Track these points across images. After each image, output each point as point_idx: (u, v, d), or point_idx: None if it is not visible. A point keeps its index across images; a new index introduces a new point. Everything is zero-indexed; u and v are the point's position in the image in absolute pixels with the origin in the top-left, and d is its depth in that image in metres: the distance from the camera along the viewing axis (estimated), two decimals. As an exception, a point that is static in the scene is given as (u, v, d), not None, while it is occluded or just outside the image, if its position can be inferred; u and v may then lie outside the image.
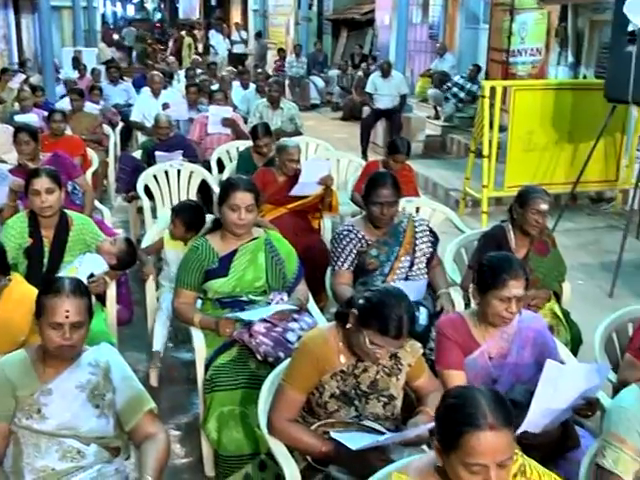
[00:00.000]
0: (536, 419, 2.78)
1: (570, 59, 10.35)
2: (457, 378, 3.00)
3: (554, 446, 2.99)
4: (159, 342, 4.46)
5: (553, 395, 2.80)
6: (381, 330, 2.69)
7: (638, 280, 6.54)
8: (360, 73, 14.84)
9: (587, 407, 2.92)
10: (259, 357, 3.49)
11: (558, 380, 2.80)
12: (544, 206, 4.15)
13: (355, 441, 2.62)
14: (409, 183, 6.21)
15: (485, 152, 7.73)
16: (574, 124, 8.13)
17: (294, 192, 5.48)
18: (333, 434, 2.70)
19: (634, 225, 7.72)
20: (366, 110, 11.87)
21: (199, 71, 13.08)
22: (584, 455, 2.72)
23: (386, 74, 11.10)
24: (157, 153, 6.83)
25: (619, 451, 2.33)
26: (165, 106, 8.90)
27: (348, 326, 2.77)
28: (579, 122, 8.08)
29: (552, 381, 2.78)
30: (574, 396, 2.85)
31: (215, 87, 9.99)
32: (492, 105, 7.79)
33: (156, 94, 9.42)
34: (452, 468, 1.95)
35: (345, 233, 4.12)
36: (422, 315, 3.89)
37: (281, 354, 3.44)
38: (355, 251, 4.07)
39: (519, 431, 2.69)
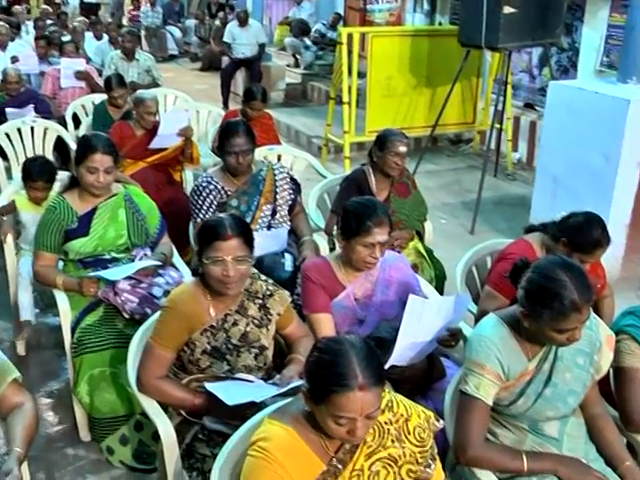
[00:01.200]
0: (402, 353, 2.86)
1: (426, 7, 10.52)
2: (325, 321, 3.03)
3: (421, 378, 3.09)
4: (27, 310, 4.24)
5: (417, 329, 2.88)
6: None
7: (496, 216, 6.84)
8: (217, 22, 14.55)
9: (450, 338, 3.03)
10: (126, 315, 3.41)
11: (421, 314, 2.88)
12: (403, 148, 4.23)
13: (231, 396, 2.60)
14: (269, 131, 6.18)
15: (345, 98, 7.78)
16: (431, 69, 8.30)
17: (153, 145, 5.33)
18: (208, 386, 2.68)
19: (492, 164, 8.04)
20: (225, 60, 11.67)
21: (49, 22, 12.37)
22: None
23: (243, 23, 10.95)
24: (7, 110, 6.45)
25: (480, 377, 2.43)
26: (14, 59, 8.40)
27: None
28: (436, 67, 8.27)
29: (415, 315, 2.86)
30: (437, 328, 2.95)
31: (66, 38, 9.50)
32: (350, 52, 7.82)
33: (3, 47, 8.90)
34: (320, 417, 1.97)
35: (204, 185, 4.05)
36: (287, 262, 3.90)
37: (148, 310, 3.38)
38: (215, 202, 4.01)
39: (386, 366, 2.76)
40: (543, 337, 2.41)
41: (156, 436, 2.80)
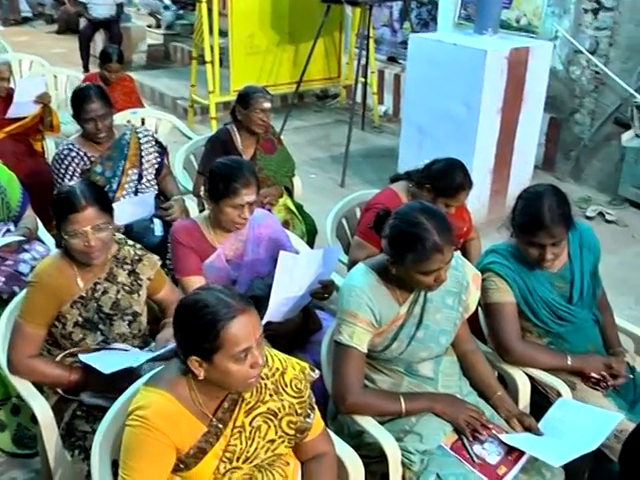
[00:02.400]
0: (277, 309, 2.87)
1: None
2: (197, 283, 2.98)
3: (298, 332, 3.12)
4: None
5: (289, 284, 2.89)
6: None
7: (365, 168, 6.94)
8: (70, -20, 13.88)
9: (323, 290, 3.06)
10: (-8, 295, 3.25)
11: (292, 269, 2.89)
12: (266, 104, 4.19)
13: (106, 364, 2.54)
14: (131, 94, 5.98)
15: (207, 58, 7.62)
16: (293, 25, 8.25)
17: (10, 114, 5.04)
18: (82, 357, 2.59)
19: (358, 118, 8.13)
20: (83, 22, 11.15)
21: None
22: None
23: (96, -19, 10.49)
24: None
25: (353, 326, 2.46)
26: None
27: None
28: (298, 23, 8.22)
29: (287, 271, 2.87)
30: (309, 282, 2.97)
31: None
32: (210, 10, 7.65)
33: None
34: (219, 371, 1.93)
35: (65, 153, 3.87)
36: (157, 227, 3.82)
37: (16, 288, 3.22)
38: (79, 170, 3.84)
39: (262, 323, 2.77)
40: (411, 281, 2.46)
41: (35, 418, 2.70)
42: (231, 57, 7.89)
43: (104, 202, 2.66)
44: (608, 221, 6.30)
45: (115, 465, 2.15)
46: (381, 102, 8.89)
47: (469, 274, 2.69)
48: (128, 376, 2.49)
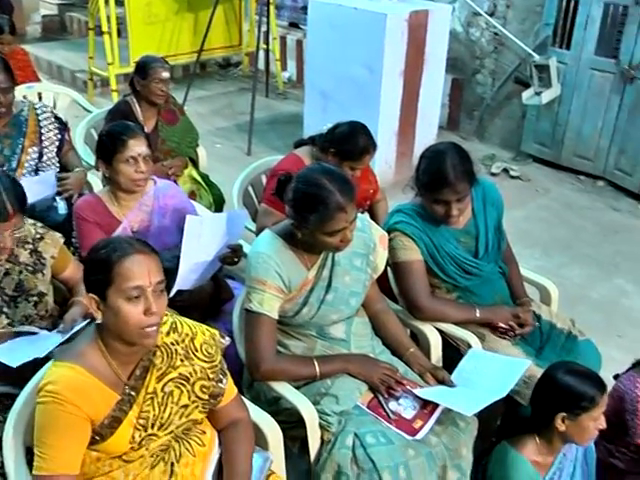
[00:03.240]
0: (186, 276, 2.83)
1: None
2: (103, 259, 2.91)
3: (209, 302, 3.09)
4: None
5: (197, 249, 2.86)
6: None
7: (271, 135, 6.91)
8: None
9: (232, 254, 3.04)
10: None
11: (200, 233, 2.86)
12: (165, 74, 4.10)
13: (13, 357, 2.44)
14: (26, 68, 5.72)
15: (104, 28, 7.37)
16: (192, -8, 8.09)
17: None
18: None
19: (262, 85, 8.06)
20: (-33, -8, 10.61)
21: None
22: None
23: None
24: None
25: (262, 292, 2.45)
26: None
27: None
28: (196, -10, 8.06)
29: (194, 235, 2.83)
30: (217, 246, 2.94)
31: None
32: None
33: None
34: (112, 312, 1.90)
35: (-42, 130, 3.68)
36: (60, 205, 3.70)
37: None
38: (-25, 148, 3.67)
39: (172, 293, 2.73)
40: (317, 244, 2.46)
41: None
42: (129, 27, 7.65)
43: (24, 203, 2.59)
44: (512, 177, 6.48)
45: (30, 453, 2.09)
46: (284, 68, 8.84)
47: (376, 235, 2.70)
48: (38, 364, 2.41)
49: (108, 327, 1.94)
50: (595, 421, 2.35)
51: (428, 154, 2.86)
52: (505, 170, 6.56)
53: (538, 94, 6.35)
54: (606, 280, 4.94)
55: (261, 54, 7.61)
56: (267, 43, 8.10)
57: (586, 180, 6.55)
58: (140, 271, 1.89)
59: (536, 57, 6.32)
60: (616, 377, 2.92)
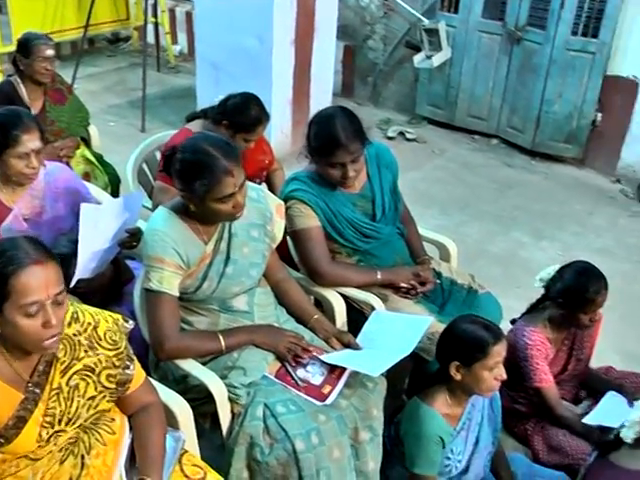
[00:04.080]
0: (85, 266, 2.75)
1: None
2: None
3: (110, 286, 3.02)
4: None
5: (95, 236, 2.77)
6: None
7: (166, 111, 6.77)
8: None
9: (130, 238, 2.97)
10: None
11: (96, 221, 2.77)
12: (49, 52, 3.94)
13: None
14: None
15: (-18, 5, 7.06)
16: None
17: None
18: None
19: (153, 59, 7.88)
20: None
21: None
22: (135, 286, 2.79)
23: None
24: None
25: (161, 270, 2.40)
26: None
27: None
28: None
29: (91, 223, 2.74)
30: (114, 232, 2.86)
31: None
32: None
33: None
34: (10, 325, 1.80)
35: None
36: None
37: None
38: None
39: (72, 283, 2.65)
40: (210, 213, 2.42)
41: None
42: (9, 2, 7.30)
43: None
44: (408, 139, 6.58)
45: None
46: (175, 42, 8.66)
47: (272, 204, 2.69)
48: None
49: (6, 336, 1.86)
50: (490, 371, 2.39)
51: (317, 119, 2.87)
52: (401, 133, 6.65)
53: (429, 58, 6.45)
54: (504, 234, 5.10)
55: (150, 28, 7.41)
56: (155, 16, 7.90)
57: (480, 139, 6.72)
58: (38, 285, 1.79)
59: (425, 21, 6.40)
60: (513, 322, 3.04)
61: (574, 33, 5.88)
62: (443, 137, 6.75)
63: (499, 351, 2.40)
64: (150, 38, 7.72)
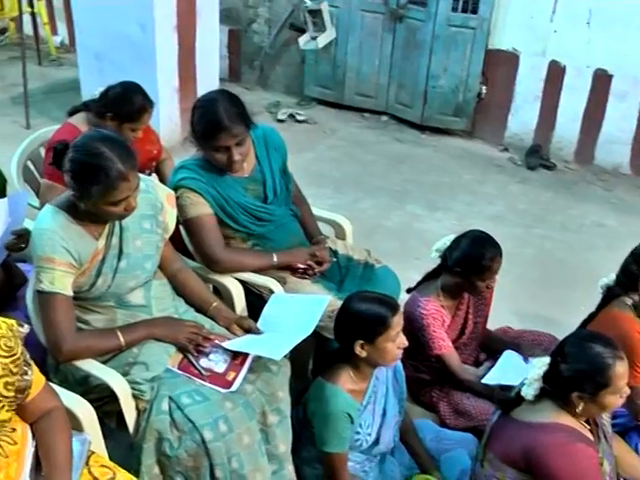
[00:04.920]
0: None
1: None
2: None
3: (2, 290, 2.92)
4: None
5: None
6: None
7: (49, 106, 6.54)
8: None
9: (18, 240, 2.86)
10: None
11: None
12: None
13: None
14: None
15: None
16: None
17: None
18: None
19: (33, 52, 7.59)
20: None
21: None
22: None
23: None
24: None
25: (52, 271, 2.32)
26: None
27: None
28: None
29: None
30: (0, 235, 2.76)
31: None
32: None
33: None
34: None
35: None
36: None
37: None
38: None
39: None
40: (101, 214, 2.36)
41: None
42: None
43: None
44: (299, 121, 6.60)
45: None
46: (55, 32, 8.36)
47: (162, 195, 2.64)
48: None
49: None
50: (393, 342, 2.45)
51: (199, 104, 2.85)
52: (291, 115, 6.65)
53: (314, 39, 6.46)
54: (399, 208, 5.19)
55: (28, 18, 7.10)
56: (32, 6, 7.59)
57: (370, 117, 6.80)
58: None
59: (308, 2, 6.40)
60: (409, 291, 3.11)
61: (454, 9, 6.03)
62: (333, 117, 6.79)
63: (398, 321, 2.46)
64: (28, 29, 7.41)
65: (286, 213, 3.09)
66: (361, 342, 2.44)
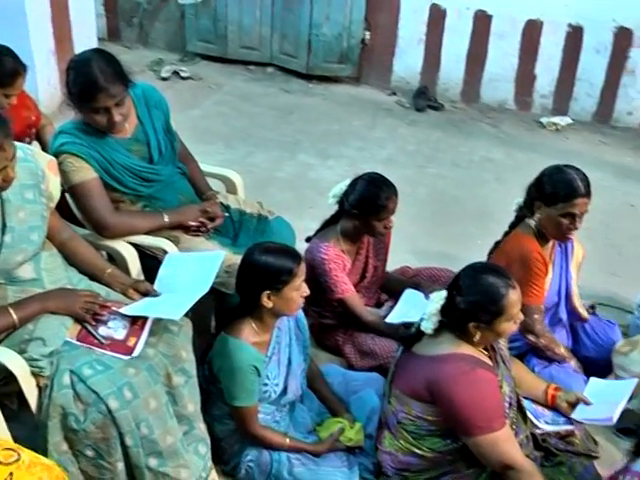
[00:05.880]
0: None
1: None
2: None
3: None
4: None
5: None
6: None
7: None
8: None
9: None
10: None
11: None
12: None
13: None
14: None
15: None
16: None
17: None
18: None
19: None
20: None
21: None
22: None
23: None
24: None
25: None
26: None
27: None
28: None
29: None
30: None
31: None
32: None
33: None
34: None
35: None
36: None
37: None
38: None
39: None
40: None
41: None
42: None
43: None
44: (184, 78, 6.45)
45: None
46: None
47: (43, 162, 2.53)
48: None
49: None
50: (297, 290, 2.48)
51: (73, 65, 2.73)
52: (175, 73, 6.49)
53: (196, -7, 6.32)
54: (291, 159, 5.18)
55: None
56: None
57: (256, 69, 6.72)
58: None
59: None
60: (308, 240, 3.12)
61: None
62: (218, 71, 6.67)
63: (302, 269, 2.48)
64: None
65: (173, 172, 3.02)
66: (267, 293, 2.45)
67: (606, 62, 6.03)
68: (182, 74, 6.45)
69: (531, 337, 2.90)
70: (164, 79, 6.33)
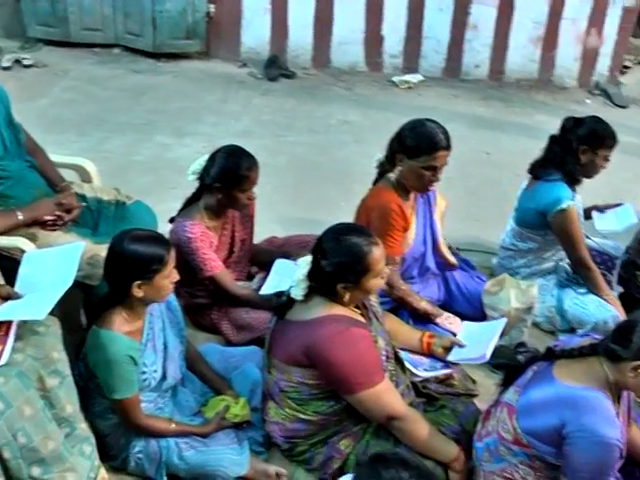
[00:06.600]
0: None
1: None
2: None
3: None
4: None
5: None
6: None
7: None
8: None
9: None
10: None
11: None
12: None
13: None
14: None
15: None
16: None
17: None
18: None
19: None
20: None
21: None
22: None
23: None
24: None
25: None
26: None
27: None
28: None
29: None
30: None
31: None
32: None
33: None
34: None
35: None
36: None
37: None
38: None
39: None
40: None
41: None
42: None
43: None
44: (26, 66, 6.17)
45: None
46: None
47: None
48: None
49: None
50: (168, 278, 2.43)
51: None
52: (17, 61, 6.18)
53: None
54: (147, 141, 5.08)
55: None
56: None
57: (101, 51, 6.51)
58: None
59: None
60: (172, 220, 3.07)
61: None
62: (63, 57, 6.40)
63: (173, 257, 2.44)
64: None
65: (22, 166, 2.90)
66: (138, 282, 2.39)
67: (449, 19, 6.23)
68: (24, 62, 6.14)
69: (386, 289, 2.98)
70: (6, 69, 6.00)
